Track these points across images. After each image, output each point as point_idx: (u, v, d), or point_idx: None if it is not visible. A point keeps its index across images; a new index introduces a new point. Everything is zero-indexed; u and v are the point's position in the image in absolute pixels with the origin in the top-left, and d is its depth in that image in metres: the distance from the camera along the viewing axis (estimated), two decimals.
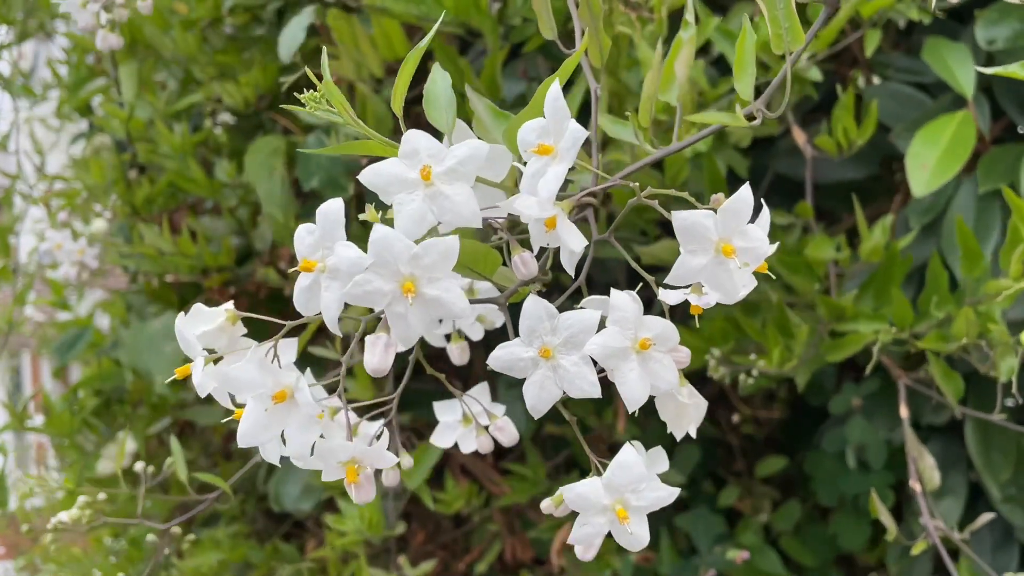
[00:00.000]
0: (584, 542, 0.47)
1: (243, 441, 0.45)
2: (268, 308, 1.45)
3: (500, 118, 0.53)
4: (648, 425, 1.29)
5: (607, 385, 0.49)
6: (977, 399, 1.02)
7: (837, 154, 0.95)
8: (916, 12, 0.93)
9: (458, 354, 0.61)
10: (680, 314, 1.31)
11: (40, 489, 0.92)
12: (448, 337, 0.60)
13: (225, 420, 0.47)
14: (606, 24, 0.87)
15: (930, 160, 0.91)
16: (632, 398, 0.46)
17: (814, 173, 1.11)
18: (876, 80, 1.09)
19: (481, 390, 0.59)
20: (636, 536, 0.46)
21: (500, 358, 0.45)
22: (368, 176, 0.44)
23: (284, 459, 0.48)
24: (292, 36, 1.12)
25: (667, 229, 1.10)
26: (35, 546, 1.76)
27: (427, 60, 1.17)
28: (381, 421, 0.52)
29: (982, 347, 0.84)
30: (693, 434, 0.51)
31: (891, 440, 1.14)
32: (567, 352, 0.45)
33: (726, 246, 0.43)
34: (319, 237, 0.44)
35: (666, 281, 0.46)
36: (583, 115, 0.53)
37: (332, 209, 0.43)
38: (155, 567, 1.17)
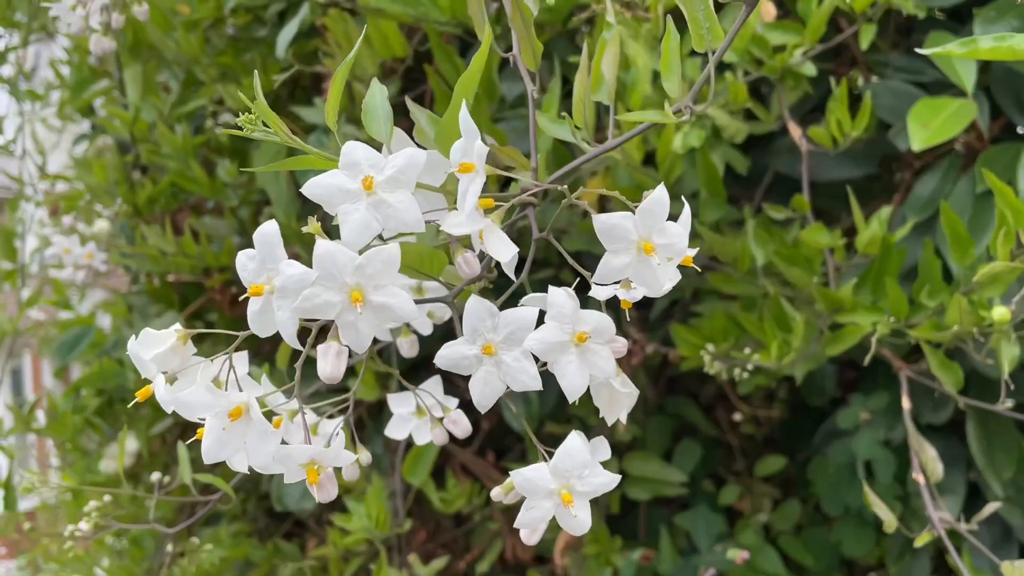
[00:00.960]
0: (530, 525, 0.50)
1: (207, 457, 0.46)
2: None
3: (437, 125, 0.54)
4: (648, 425, 1.30)
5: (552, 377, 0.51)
6: (979, 396, 1.02)
7: (832, 147, 0.95)
8: (912, 5, 0.93)
9: (407, 348, 0.62)
10: (679, 313, 1.31)
11: (41, 486, 0.92)
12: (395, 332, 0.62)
13: (189, 442, 0.49)
14: (600, 23, 0.88)
15: (932, 122, 0.91)
16: (571, 388, 0.48)
17: (813, 172, 1.11)
18: (875, 79, 1.09)
19: (434, 383, 0.61)
20: (579, 520, 0.49)
21: (446, 356, 0.48)
22: (310, 189, 0.46)
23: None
24: (287, 34, 1.13)
25: None
26: (36, 546, 1.77)
27: (428, 60, 1.18)
28: (339, 420, 0.55)
29: (975, 336, 0.85)
30: (623, 420, 0.54)
31: (891, 439, 1.15)
32: (508, 348, 0.47)
33: (646, 244, 0.46)
34: (260, 260, 0.46)
35: (593, 280, 0.48)
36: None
37: (268, 232, 0.45)
38: (159, 567, 1.17)
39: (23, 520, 1.67)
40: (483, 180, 0.46)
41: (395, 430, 0.62)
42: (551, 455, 0.49)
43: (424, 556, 1.23)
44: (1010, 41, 0.46)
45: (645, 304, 1.23)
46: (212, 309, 1.50)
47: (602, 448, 0.53)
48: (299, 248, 1.29)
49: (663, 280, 0.47)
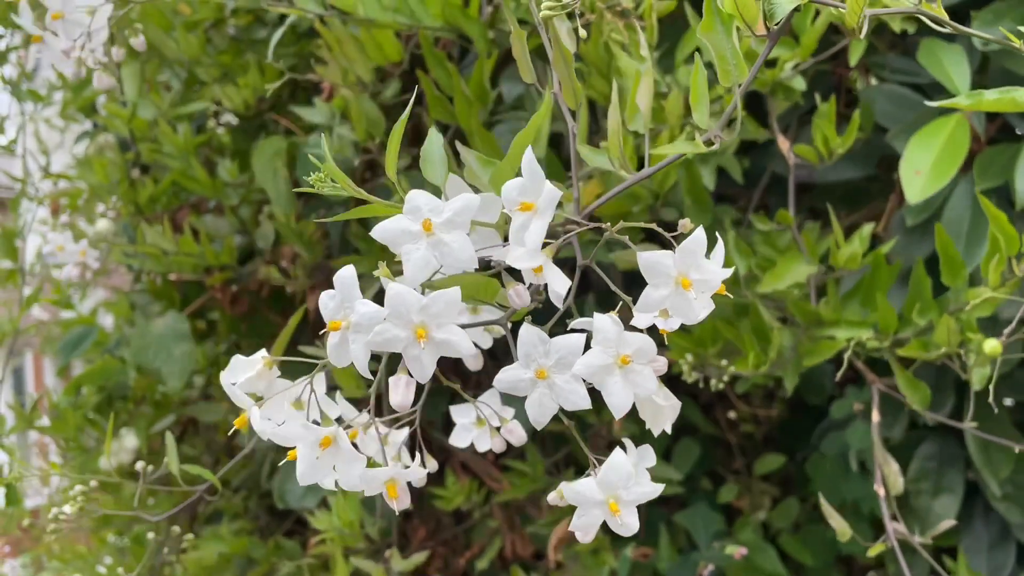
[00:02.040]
0: (583, 530, 0.54)
1: (303, 481, 0.53)
2: (270, 306, 1.46)
3: (487, 166, 0.60)
4: (645, 423, 1.30)
5: (599, 393, 0.56)
6: (975, 401, 1.02)
7: (818, 162, 0.97)
8: (899, 22, 0.94)
9: (472, 362, 0.67)
10: None
11: (38, 479, 0.92)
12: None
13: (282, 463, 0.55)
14: (595, 30, 0.89)
15: (924, 166, 0.92)
16: (617, 407, 0.53)
17: (812, 173, 1.12)
18: (873, 81, 1.10)
19: (491, 395, 0.66)
20: (627, 525, 0.54)
21: (504, 380, 0.53)
22: (379, 233, 0.52)
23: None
24: (275, 39, 1.14)
25: (650, 236, 1.12)
26: (39, 544, 1.77)
27: (420, 66, 1.19)
28: (406, 430, 0.61)
29: (961, 356, 0.86)
30: (668, 430, 0.59)
31: (889, 439, 1.15)
32: (559, 371, 0.52)
33: (684, 279, 0.50)
34: (339, 300, 0.51)
35: (635, 310, 0.52)
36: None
37: (347, 275, 0.51)
38: (155, 558, 1.18)
39: (27, 518, 1.68)
40: (549, 220, 0.51)
41: (458, 439, 0.68)
42: (600, 463, 0.54)
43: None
44: (1013, 94, 0.49)
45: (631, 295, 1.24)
46: (213, 307, 1.50)
47: (647, 455, 0.57)
48: (299, 246, 1.29)
49: (698, 311, 0.51)
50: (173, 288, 1.50)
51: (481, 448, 0.66)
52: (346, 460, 0.52)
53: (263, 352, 0.56)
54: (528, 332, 0.52)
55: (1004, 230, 0.79)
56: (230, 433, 0.58)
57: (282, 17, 1.28)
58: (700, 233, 0.50)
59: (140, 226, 1.37)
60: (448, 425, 1.41)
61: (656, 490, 0.54)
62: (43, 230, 1.58)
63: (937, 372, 1.05)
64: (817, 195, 1.14)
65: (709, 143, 0.55)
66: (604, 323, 0.52)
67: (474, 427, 0.67)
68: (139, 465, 0.86)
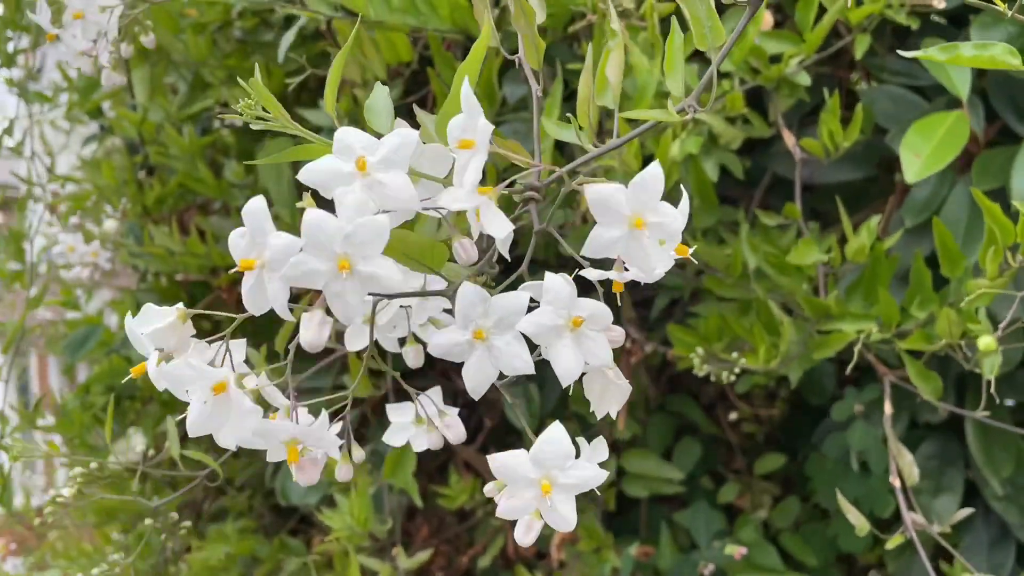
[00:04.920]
0: (510, 515, 0.48)
1: (192, 430, 0.48)
2: None
3: (438, 117, 0.55)
4: (649, 423, 1.31)
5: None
6: (975, 396, 1.03)
7: (824, 157, 0.97)
8: (905, 17, 0.95)
9: (413, 357, 0.62)
10: (679, 313, 1.33)
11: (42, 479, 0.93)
12: (402, 341, 0.63)
13: (180, 418, 0.50)
14: (597, 31, 0.90)
15: (924, 150, 0.93)
16: (565, 372, 0.48)
17: (812, 174, 1.12)
18: (873, 83, 1.11)
19: (435, 393, 0.61)
20: (560, 514, 0.47)
21: (439, 344, 0.48)
22: (307, 175, 0.46)
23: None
24: (287, 40, 1.15)
25: None
26: (43, 542, 1.78)
27: (432, 64, 1.20)
28: (336, 422, 0.54)
29: (963, 347, 0.86)
30: (614, 414, 0.54)
31: (888, 438, 1.16)
32: (500, 333, 0.47)
33: (638, 219, 0.45)
34: (250, 236, 0.46)
35: (582, 253, 0.47)
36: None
37: (256, 207, 0.45)
38: (159, 555, 1.19)
39: (29, 517, 1.69)
40: (485, 157, 0.46)
41: (394, 437, 0.62)
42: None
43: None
44: (991, 50, 0.46)
45: (644, 304, 1.25)
46: (219, 307, 1.51)
47: (600, 449, 0.52)
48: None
49: (655, 262, 0.47)
50: (180, 288, 1.51)
51: (417, 448, 0.61)
52: (240, 411, 0.47)
53: (179, 305, 0.51)
54: (467, 289, 0.47)
55: (999, 221, 0.79)
56: (124, 381, 0.54)
57: (287, 20, 1.30)
58: (655, 167, 0.46)
59: (147, 227, 1.38)
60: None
61: (599, 476, 0.48)
62: (52, 232, 1.60)
63: (939, 369, 1.06)
64: (817, 196, 1.15)
65: (683, 112, 0.52)
66: (555, 282, 0.47)
67: (412, 425, 0.62)
68: (139, 447, 0.86)
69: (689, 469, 1.28)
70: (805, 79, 0.96)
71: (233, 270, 0.47)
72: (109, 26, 0.79)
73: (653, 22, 0.78)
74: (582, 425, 1.19)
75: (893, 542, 0.88)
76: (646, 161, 0.59)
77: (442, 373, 1.16)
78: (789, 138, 0.97)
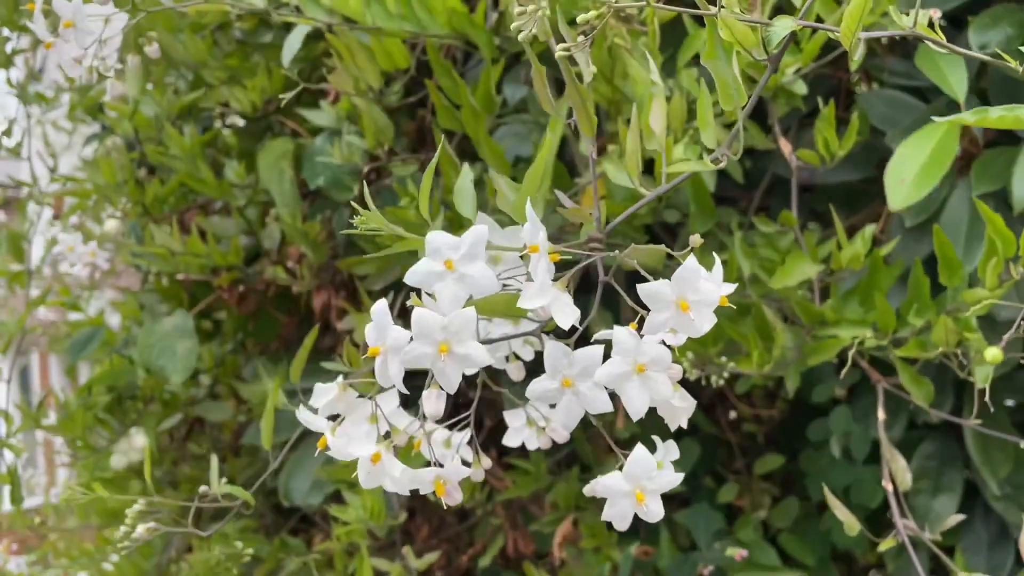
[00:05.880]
0: (616, 519, 0.60)
1: (365, 485, 0.61)
2: (276, 305, 1.48)
3: (515, 191, 0.69)
4: (645, 423, 1.31)
5: (613, 396, 0.62)
6: (971, 400, 1.03)
7: (820, 165, 0.98)
8: (900, 26, 0.95)
9: (516, 372, 0.75)
10: None
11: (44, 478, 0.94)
12: (507, 358, 0.77)
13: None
14: (599, 36, 0.90)
15: (909, 174, 0.93)
16: (635, 411, 0.58)
17: (812, 175, 1.13)
18: (874, 85, 1.11)
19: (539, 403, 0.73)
20: (652, 510, 0.60)
21: (535, 390, 0.59)
22: (412, 278, 0.58)
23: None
24: (291, 44, 1.15)
25: (653, 236, 1.14)
26: (46, 542, 1.79)
27: (423, 69, 1.20)
28: (464, 434, 0.69)
29: (959, 355, 0.87)
30: (684, 426, 0.64)
31: (888, 438, 1.16)
32: (583, 380, 0.58)
33: (683, 303, 0.55)
34: (377, 329, 0.58)
35: (642, 332, 0.57)
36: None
37: (380, 309, 0.58)
38: (161, 555, 1.19)
39: (33, 517, 1.70)
40: (549, 260, 0.57)
41: (512, 439, 0.76)
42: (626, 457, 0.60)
43: (428, 551, 1.25)
44: (1017, 111, 0.50)
45: (644, 307, 1.25)
46: (220, 307, 1.52)
47: (672, 449, 0.64)
48: (304, 247, 1.31)
49: (700, 326, 0.57)
50: (181, 288, 1.51)
51: (531, 447, 0.75)
52: (390, 469, 0.61)
53: (340, 378, 0.64)
54: (552, 347, 0.58)
55: (1001, 232, 0.79)
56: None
57: (287, 22, 1.30)
58: (692, 261, 0.56)
59: (148, 227, 1.39)
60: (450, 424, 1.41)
61: (677, 478, 0.60)
62: (53, 232, 1.60)
63: (936, 374, 1.06)
64: (817, 197, 1.15)
65: (717, 161, 0.60)
66: (623, 335, 0.57)
67: (525, 428, 0.76)
68: (139, 443, 0.87)
69: (689, 469, 1.28)
70: (802, 88, 0.97)
71: (367, 357, 0.59)
72: (110, 35, 0.80)
73: (654, 28, 0.79)
74: (581, 423, 1.19)
75: (885, 545, 0.89)
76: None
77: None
78: (786, 146, 0.97)
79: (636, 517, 0.60)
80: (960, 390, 1.11)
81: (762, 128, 1.07)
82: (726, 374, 1.01)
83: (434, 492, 0.63)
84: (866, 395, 1.16)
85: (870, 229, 0.97)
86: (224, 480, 0.88)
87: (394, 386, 0.60)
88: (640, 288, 0.56)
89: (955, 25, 1.07)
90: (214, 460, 0.87)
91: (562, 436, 0.73)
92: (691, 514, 1.26)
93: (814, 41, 0.94)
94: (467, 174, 0.68)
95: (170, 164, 1.39)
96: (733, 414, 1.31)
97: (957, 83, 0.96)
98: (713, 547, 1.21)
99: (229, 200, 1.40)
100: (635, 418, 0.58)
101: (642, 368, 0.57)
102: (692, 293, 0.56)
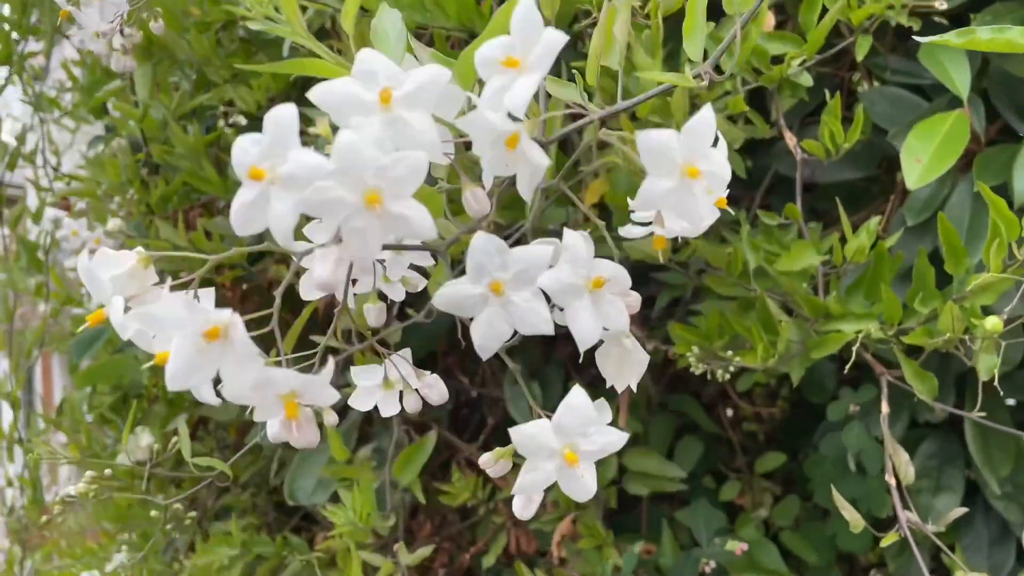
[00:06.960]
0: (528, 490, 0.46)
1: (173, 383, 0.41)
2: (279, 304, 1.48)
3: (446, 62, 0.49)
4: (650, 421, 1.31)
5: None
6: (975, 396, 1.03)
7: (826, 157, 0.98)
8: (906, 18, 0.95)
9: (375, 315, 0.58)
10: (680, 311, 1.33)
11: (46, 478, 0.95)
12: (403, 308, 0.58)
13: (147, 365, 0.44)
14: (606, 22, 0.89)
15: (924, 155, 0.93)
16: (583, 335, 0.45)
17: (814, 173, 1.13)
18: (876, 84, 1.11)
19: (404, 353, 0.57)
20: (585, 482, 0.45)
21: (446, 296, 0.44)
22: (321, 94, 0.41)
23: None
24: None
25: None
26: (48, 541, 1.79)
27: None
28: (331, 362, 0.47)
29: (967, 343, 0.87)
30: (634, 387, 0.51)
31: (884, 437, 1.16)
32: (518, 288, 0.44)
33: (692, 168, 0.43)
34: (268, 146, 0.39)
35: (633, 207, 0.45)
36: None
37: (285, 114, 0.39)
38: (165, 554, 1.19)
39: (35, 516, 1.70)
40: (543, 75, 0.42)
41: (359, 401, 0.58)
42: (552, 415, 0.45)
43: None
44: (1008, 33, 0.46)
45: (646, 302, 1.25)
46: (222, 305, 1.52)
47: (604, 410, 0.48)
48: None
49: (704, 212, 0.44)
50: (183, 287, 1.51)
51: (385, 413, 0.56)
52: (238, 359, 0.41)
53: (138, 248, 0.47)
54: (484, 239, 0.43)
55: (1004, 215, 0.79)
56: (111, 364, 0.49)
57: None
58: (708, 111, 0.44)
59: (152, 225, 1.39)
60: (453, 423, 1.42)
61: (621, 439, 0.46)
62: (61, 235, 1.61)
63: (938, 368, 1.06)
64: (818, 196, 1.15)
65: (699, 78, 0.50)
66: (575, 238, 0.45)
67: (380, 389, 0.57)
68: (146, 441, 0.87)
69: (690, 467, 1.28)
70: (807, 80, 0.97)
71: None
72: (122, 9, 0.81)
73: (658, 21, 0.78)
74: None
75: (888, 540, 0.88)
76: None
77: (445, 371, 1.16)
78: (790, 139, 0.97)
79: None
80: (961, 387, 1.11)
81: (766, 122, 1.07)
82: (732, 368, 1.00)
83: (288, 419, 0.43)
84: (868, 394, 1.16)
85: (875, 221, 0.96)
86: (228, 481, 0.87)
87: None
88: (641, 137, 0.42)
89: (958, 24, 1.07)
90: (183, 428, 0.83)
91: (440, 394, 0.55)
92: (692, 512, 1.27)
93: (819, 31, 0.94)
94: (388, 12, 0.49)
95: (175, 163, 1.39)
96: (731, 412, 1.31)
97: (960, 79, 0.97)
98: (714, 544, 1.21)
99: (233, 198, 1.40)
100: (583, 347, 0.45)
101: (598, 283, 0.45)
102: (703, 160, 0.43)
